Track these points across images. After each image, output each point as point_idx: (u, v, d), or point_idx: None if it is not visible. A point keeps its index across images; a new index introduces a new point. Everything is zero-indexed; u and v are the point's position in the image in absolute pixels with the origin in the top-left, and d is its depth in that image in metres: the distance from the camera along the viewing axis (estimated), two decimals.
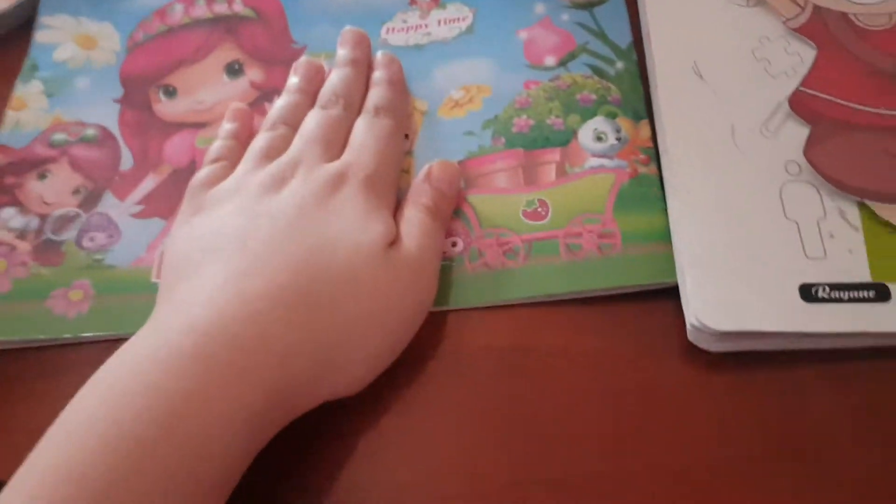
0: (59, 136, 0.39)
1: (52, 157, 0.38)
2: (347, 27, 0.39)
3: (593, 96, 0.37)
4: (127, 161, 0.38)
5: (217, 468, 0.26)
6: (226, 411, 0.26)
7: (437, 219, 0.33)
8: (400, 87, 0.38)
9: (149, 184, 0.37)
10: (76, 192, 0.37)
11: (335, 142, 0.34)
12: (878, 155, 0.33)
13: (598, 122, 0.36)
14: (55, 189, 0.37)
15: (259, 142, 0.35)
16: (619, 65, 0.38)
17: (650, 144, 0.35)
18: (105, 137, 0.39)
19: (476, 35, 0.39)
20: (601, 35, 0.38)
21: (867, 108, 0.34)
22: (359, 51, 0.38)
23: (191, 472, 0.25)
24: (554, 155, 0.35)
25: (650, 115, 0.36)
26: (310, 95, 0.37)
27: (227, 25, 0.42)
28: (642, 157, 0.35)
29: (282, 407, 0.28)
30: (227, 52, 0.41)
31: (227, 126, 0.37)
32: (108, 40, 0.42)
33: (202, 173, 0.34)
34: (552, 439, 0.30)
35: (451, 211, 0.35)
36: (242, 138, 0.36)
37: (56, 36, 0.42)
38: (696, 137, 0.34)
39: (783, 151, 0.33)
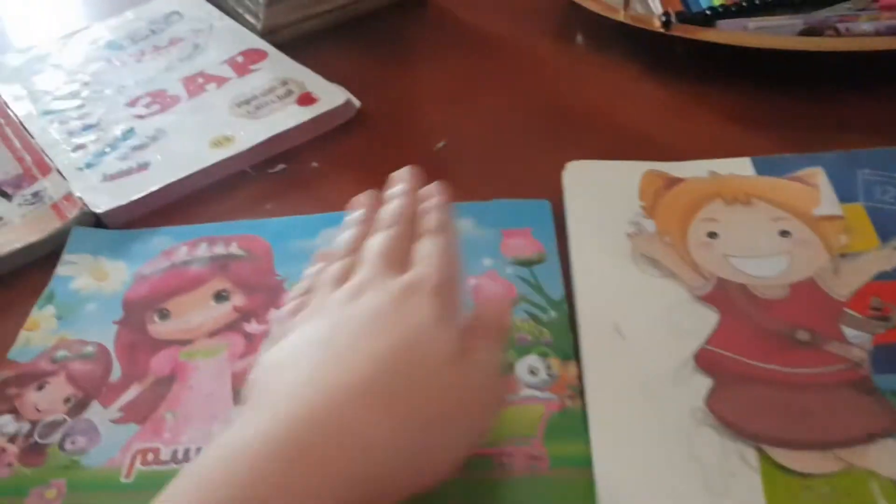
0: (60, 353, 0.44)
1: (52, 371, 0.44)
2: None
3: (529, 337, 0.42)
4: (116, 373, 0.43)
5: None
6: (310, 501, 0.27)
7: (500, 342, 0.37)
8: (449, 210, 0.41)
9: (132, 393, 0.42)
10: (67, 400, 0.42)
11: (399, 258, 0.37)
12: (772, 405, 0.38)
13: (532, 359, 0.41)
14: (49, 398, 0.42)
15: (331, 271, 0.38)
16: (552, 313, 0.43)
17: (577, 382, 0.40)
18: (101, 353, 0.44)
19: None
20: (538, 288, 0.45)
21: (763, 365, 0.39)
22: (411, 182, 0.42)
23: None
24: None
25: (578, 357, 0.41)
26: (370, 224, 0.40)
27: (221, 263, 0.49)
28: (570, 392, 0.39)
29: (365, 499, 0.29)
30: (217, 283, 0.48)
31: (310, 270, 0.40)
32: (120, 273, 0.49)
33: (286, 307, 0.38)
34: None
35: (506, 337, 0.39)
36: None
37: (75, 270, 0.50)
38: (615, 383, 0.39)
39: (690, 399, 0.38)
